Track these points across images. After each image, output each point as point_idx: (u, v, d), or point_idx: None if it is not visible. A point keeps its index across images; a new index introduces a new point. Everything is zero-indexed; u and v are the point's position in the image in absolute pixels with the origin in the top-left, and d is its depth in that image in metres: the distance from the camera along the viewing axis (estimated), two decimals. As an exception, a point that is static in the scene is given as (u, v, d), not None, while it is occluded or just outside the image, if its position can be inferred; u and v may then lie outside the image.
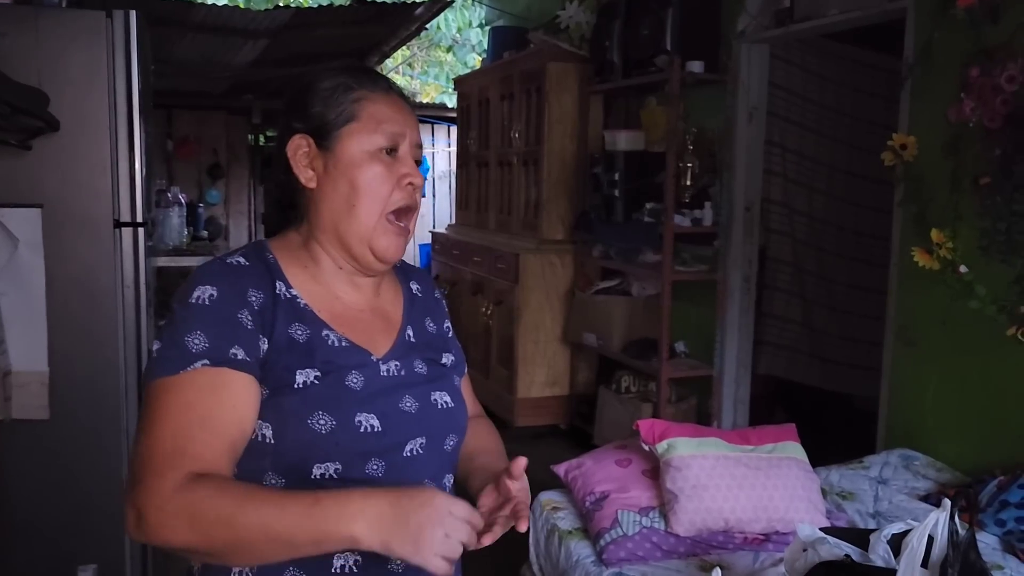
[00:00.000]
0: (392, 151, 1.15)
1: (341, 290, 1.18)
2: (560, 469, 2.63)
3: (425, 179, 9.33)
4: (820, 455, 2.82)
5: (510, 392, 4.84)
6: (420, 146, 1.20)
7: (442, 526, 0.94)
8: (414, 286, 1.30)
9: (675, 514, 2.26)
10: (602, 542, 2.27)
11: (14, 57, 2.32)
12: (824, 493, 2.56)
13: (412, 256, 8.69)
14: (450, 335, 1.32)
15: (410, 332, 1.22)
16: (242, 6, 7.26)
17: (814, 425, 3.89)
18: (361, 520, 0.93)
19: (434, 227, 7.99)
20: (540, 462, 2.71)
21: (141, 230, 2.62)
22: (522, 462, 1.07)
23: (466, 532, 0.96)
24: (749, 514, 2.26)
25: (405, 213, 1.17)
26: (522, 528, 1.02)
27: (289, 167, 1.15)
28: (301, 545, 0.95)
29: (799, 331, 4.29)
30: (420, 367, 1.19)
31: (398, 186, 1.15)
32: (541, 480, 2.71)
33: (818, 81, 4.15)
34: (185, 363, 1.02)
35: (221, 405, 1.02)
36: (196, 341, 1.03)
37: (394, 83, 1.20)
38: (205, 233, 6.00)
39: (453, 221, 6.52)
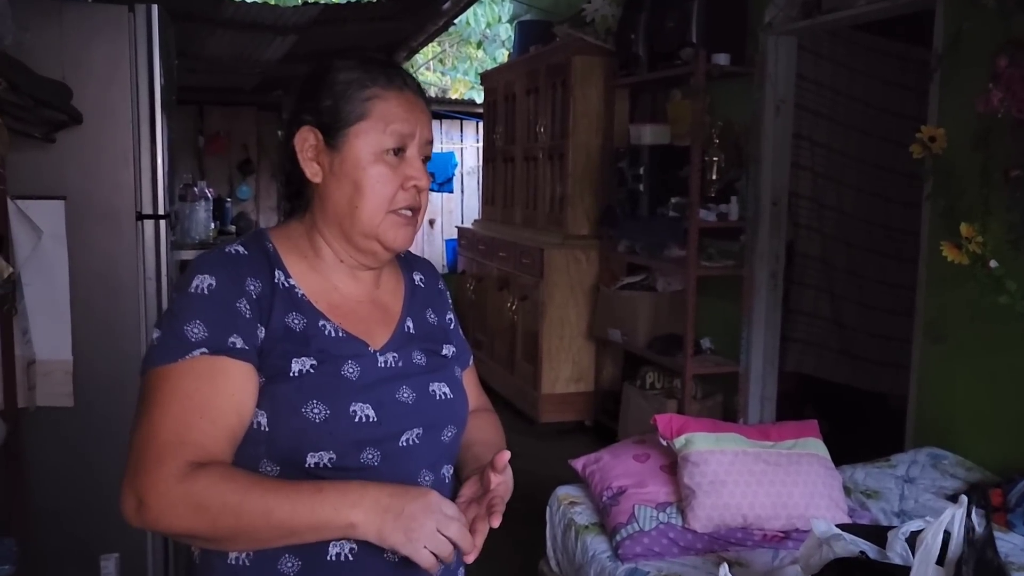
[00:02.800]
0: (399, 151, 1.13)
1: (340, 281, 1.17)
2: (578, 464, 2.61)
3: (452, 176, 9.31)
4: (852, 454, 2.77)
5: (535, 388, 4.82)
6: (430, 142, 1.18)
7: (433, 520, 0.97)
8: (416, 277, 1.29)
9: (692, 510, 2.24)
10: (618, 537, 2.25)
11: (38, 51, 2.35)
12: (848, 491, 2.52)
13: (439, 251, 8.70)
14: (452, 327, 1.31)
15: (409, 324, 1.22)
16: (272, 2, 7.32)
17: (846, 424, 3.84)
18: (359, 508, 0.97)
19: (462, 222, 8.00)
20: (564, 458, 2.71)
21: (163, 223, 2.64)
22: (505, 455, 1.07)
23: (456, 528, 0.98)
24: (768, 511, 2.23)
25: (411, 210, 1.16)
26: (493, 523, 1.03)
27: (295, 158, 1.15)
28: (301, 532, 0.98)
29: (828, 327, 4.22)
30: (419, 358, 1.19)
31: (402, 188, 1.14)
32: (563, 476, 2.70)
33: (847, 73, 4.07)
34: (184, 351, 1.02)
35: (219, 393, 1.02)
36: (195, 330, 1.03)
37: (409, 78, 1.17)
38: (233, 228, 6.06)
39: (480, 216, 6.52)
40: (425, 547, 0.96)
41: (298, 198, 1.19)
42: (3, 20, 2.00)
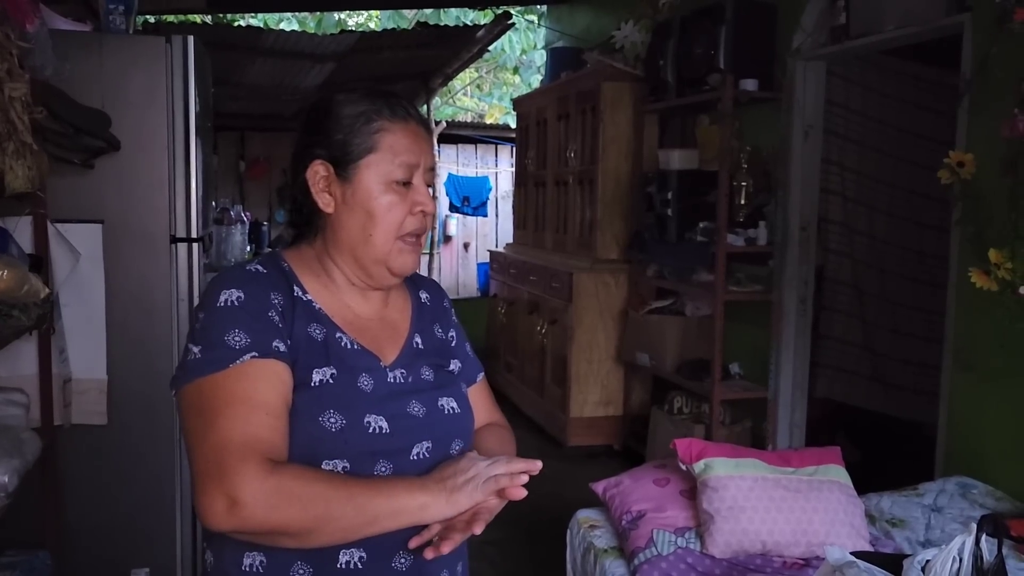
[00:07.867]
0: (406, 182, 1.19)
1: (352, 300, 1.23)
2: (599, 487, 2.61)
3: (486, 200, 9.35)
4: (891, 483, 2.74)
5: (563, 411, 4.83)
6: (433, 169, 1.24)
7: (476, 464, 1.09)
8: (423, 295, 1.35)
9: (711, 535, 2.23)
10: (636, 561, 2.25)
11: (79, 80, 2.44)
12: (873, 519, 2.49)
13: (472, 274, 8.75)
14: (454, 343, 1.34)
15: (418, 340, 1.26)
16: (311, 31, 7.48)
17: (880, 452, 3.78)
18: (425, 490, 1.05)
19: (496, 246, 8.05)
20: (590, 482, 2.70)
21: (196, 246, 2.72)
22: (520, 492, 1.08)
23: (499, 464, 1.09)
24: (788, 537, 2.21)
25: (416, 235, 1.22)
26: (475, 531, 1.05)
27: (307, 189, 1.20)
28: (382, 518, 1.03)
29: (859, 354, 4.17)
30: (427, 373, 1.23)
31: (410, 213, 1.19)
32: (589, 499, 2.70)
33: (878, 98, 4.06)
34: (233, 357, 1.07)
35: (275, 392, 1.07)
36: (237, 338, 1.08)
37: (411, 107, 1.23)
38: (268, 250, 6.18)
39: (511, 240, 6.57)
40: (488, 479, 1.06)
41: (306, 225, 1.24)
42: (44, 51, 2.10)
